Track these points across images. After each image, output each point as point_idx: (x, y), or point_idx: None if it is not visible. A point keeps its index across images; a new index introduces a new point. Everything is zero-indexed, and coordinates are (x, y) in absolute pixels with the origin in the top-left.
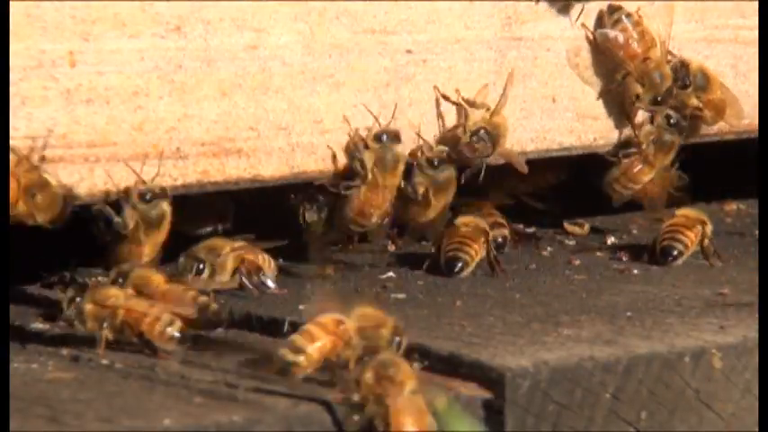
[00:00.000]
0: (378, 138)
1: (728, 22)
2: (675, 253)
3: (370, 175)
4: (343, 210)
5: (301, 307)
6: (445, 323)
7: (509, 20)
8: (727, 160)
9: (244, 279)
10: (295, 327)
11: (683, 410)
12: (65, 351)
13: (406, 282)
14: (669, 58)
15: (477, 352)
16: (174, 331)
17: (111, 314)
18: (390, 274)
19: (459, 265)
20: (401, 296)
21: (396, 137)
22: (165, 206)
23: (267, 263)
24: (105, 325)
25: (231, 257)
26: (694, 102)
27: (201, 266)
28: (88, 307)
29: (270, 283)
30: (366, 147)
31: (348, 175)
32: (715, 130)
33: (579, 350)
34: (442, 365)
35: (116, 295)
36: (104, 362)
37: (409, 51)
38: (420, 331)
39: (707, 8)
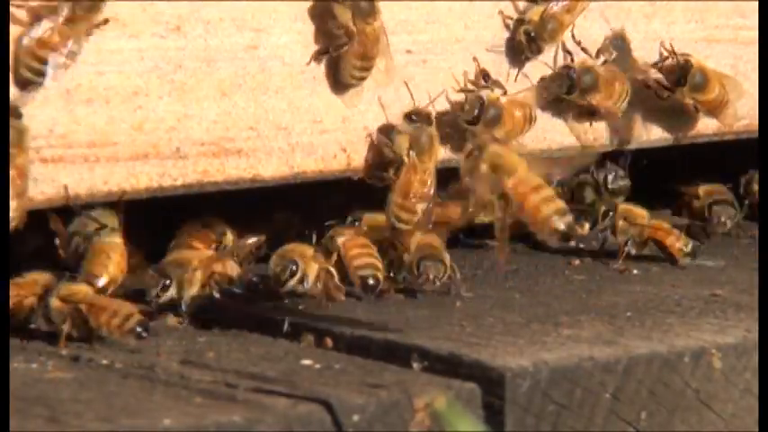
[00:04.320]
0: (409, 118)
1: (728, 22)
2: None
3: (407, 159)
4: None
5: (301, 307)
6: (445, 323)
7: (509, 20)
8: (727, 160)
9: (215, 293)
10: (295, 327)
11: (683, 410)
12: (65, 351)
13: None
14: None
15: (477, 352)
16: (132, 325)
17: (74, 310)
18: (390, 273)
19: None
20: (401, 296)
21: (427, 117)
22: None
23: (236, 271)
24: (67, 321)
25: (200, 272)
26: (689, 101)
27: (168, 282)
28: (55, 303)
29: (239, 291)
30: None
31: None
32: (714, 129)
33: (579, 350)
34: (442, 365)
35: (82, 291)
36: (104, 362)
37: (409, 51)
38: (420, 331)
39: (707, 8)
